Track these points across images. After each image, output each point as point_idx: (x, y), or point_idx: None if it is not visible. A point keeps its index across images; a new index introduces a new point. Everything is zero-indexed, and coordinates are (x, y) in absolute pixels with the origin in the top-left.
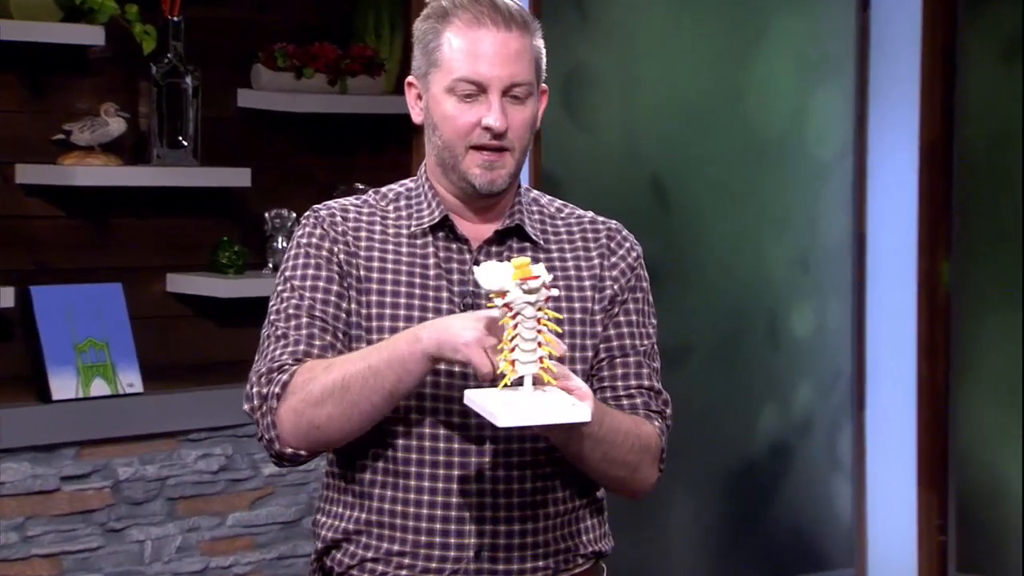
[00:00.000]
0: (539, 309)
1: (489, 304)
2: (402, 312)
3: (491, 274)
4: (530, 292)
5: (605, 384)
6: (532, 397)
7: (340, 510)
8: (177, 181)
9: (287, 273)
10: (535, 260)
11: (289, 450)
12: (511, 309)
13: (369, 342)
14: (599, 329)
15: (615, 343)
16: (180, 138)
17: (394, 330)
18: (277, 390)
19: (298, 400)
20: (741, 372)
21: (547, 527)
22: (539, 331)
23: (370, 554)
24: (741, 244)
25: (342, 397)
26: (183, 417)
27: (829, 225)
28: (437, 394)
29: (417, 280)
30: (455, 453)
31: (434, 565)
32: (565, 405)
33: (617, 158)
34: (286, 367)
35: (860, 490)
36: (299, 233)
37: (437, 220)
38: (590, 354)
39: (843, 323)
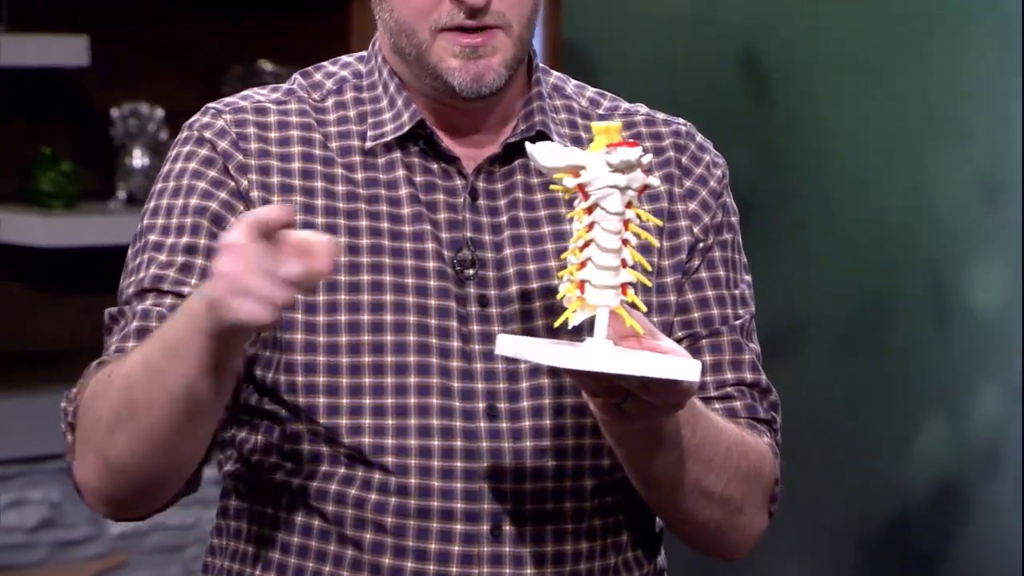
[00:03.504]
0: (629, 205)
1: (562, 190)
2: (364, 277)
3: (553, 150)
4: (620, 170)
5: None
6: (610, 345)
7: (248, 570)
8: None
9: (145, 221)
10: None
11: (104, 509)
12: (587, 196)
13: (310, 343)
14: (671, 297)
15: (697, 314)
16: None
17: (354, 308)
18: (70, 418)
19: (91, 432)
20: (886, 368)
21: None
22: (624, 241)
23: None
24: (885, 161)
25: (130, 417)
26: None
27: None
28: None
29: (385, 225)
30: (455, 495)
31: None
32: (656, 357)
33: (685, 23)
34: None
35: None
36: (174, 153)
37: (408, 128)
38: None
39: None
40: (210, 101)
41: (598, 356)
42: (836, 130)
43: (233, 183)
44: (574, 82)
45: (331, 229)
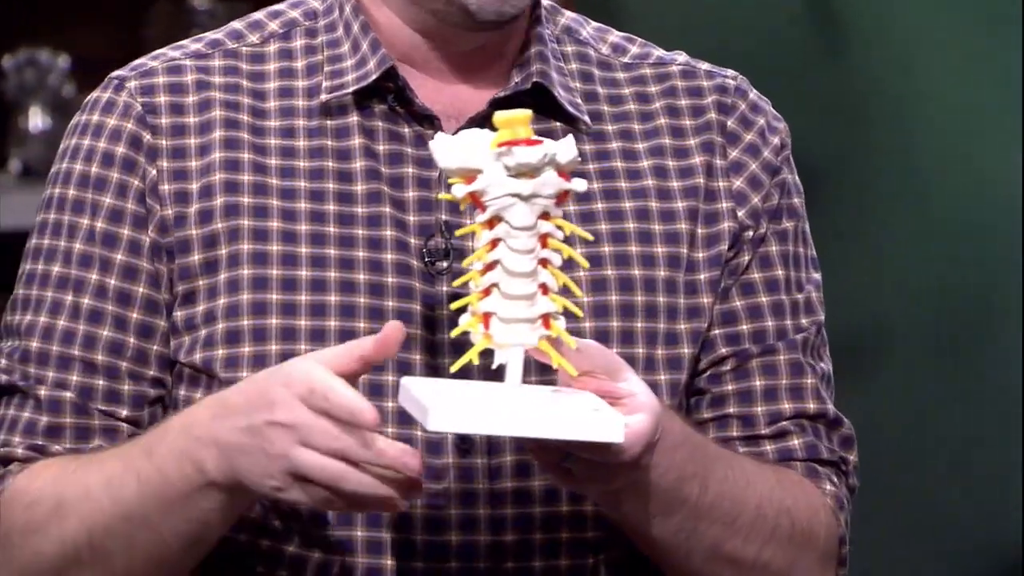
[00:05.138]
0: (545, 216)
1: (449, 199)
2: (302, 273)
3: (456, 144)
4: (523, 175)
5: (728, 411)
6: (518, 394)
7: None
8: None
9: (45, 239)
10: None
11: None
12: (484, 208)
13: (232, 357)
14: (704, 299)
15: (746, 327)
16: None
17: (288, 311)
18: None
19: (24, 570)
20: (991, 386)
21: None
22: (543, 262)
23: None
24: (989, 126)
25: (98, 563)
26: None
27: None
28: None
29: (330, 207)
30: (414, 552)
31: None
32: (577, 411)
33: None
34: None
35: None
36: (77, 138)
37: (375, 77)
38: (686, 351)
39: None
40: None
41: (473, 415)
42: (928, 87)
43: (148, 174)
44: (594, 24)
45: (261, 211)
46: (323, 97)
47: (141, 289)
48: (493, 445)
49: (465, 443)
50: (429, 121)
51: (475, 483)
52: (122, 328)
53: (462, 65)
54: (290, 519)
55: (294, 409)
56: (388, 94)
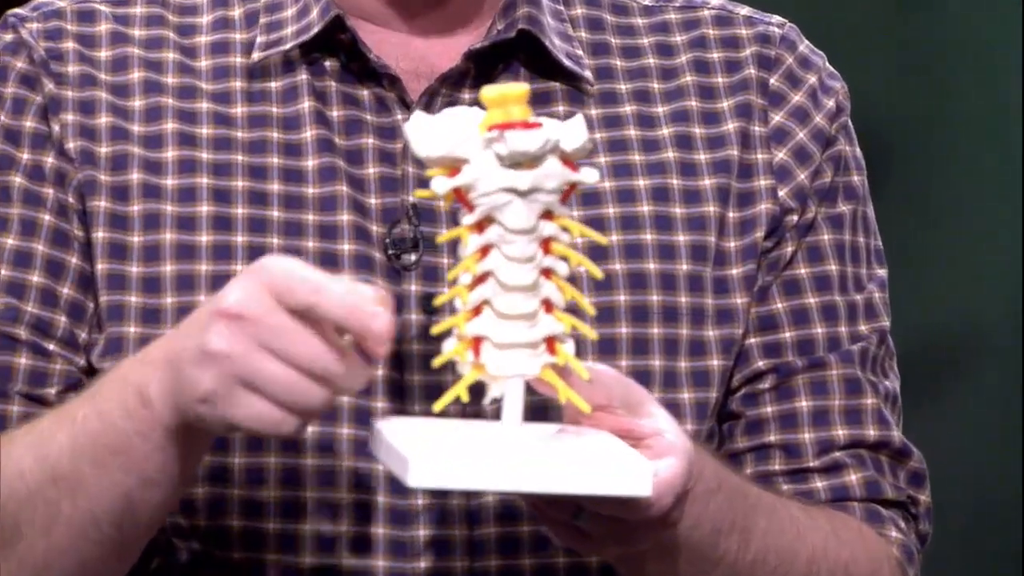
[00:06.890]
0: (548, 216)
1: (430, 196)
2: (239, 268)
3: (437, 126)
4: (520, 165)
5: (768, 439)
6: (519, 438)
7: None
8: None
9: None
10: (570, 114)
11: None
12: (472, 207)
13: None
14: (738, 299)
15: (790, 334)
16: None
17: None
18: None
19: None
20: None
21: None
22: (545, 272)
23: None
24: None
25: (10, 554)
26: None
27: None
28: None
29: (274, 187)
30: None
31: None
32: (593, 458)
33: None
34: None
35: None
36: None
37: (317, 30)
38: (716, 363)
39: None
40: None
41: (484, 461)
42: (1021, 37)
43: (53, 129)
44: None
45: (187, 193)
46: (255, 56)
47: (74, 260)
48: None
49: None
50: (385, 79)
51: (451, 529)
52: (51, 303)
53: (428, 13)
54: None
55: (258, 301)
56: (339, 49)
